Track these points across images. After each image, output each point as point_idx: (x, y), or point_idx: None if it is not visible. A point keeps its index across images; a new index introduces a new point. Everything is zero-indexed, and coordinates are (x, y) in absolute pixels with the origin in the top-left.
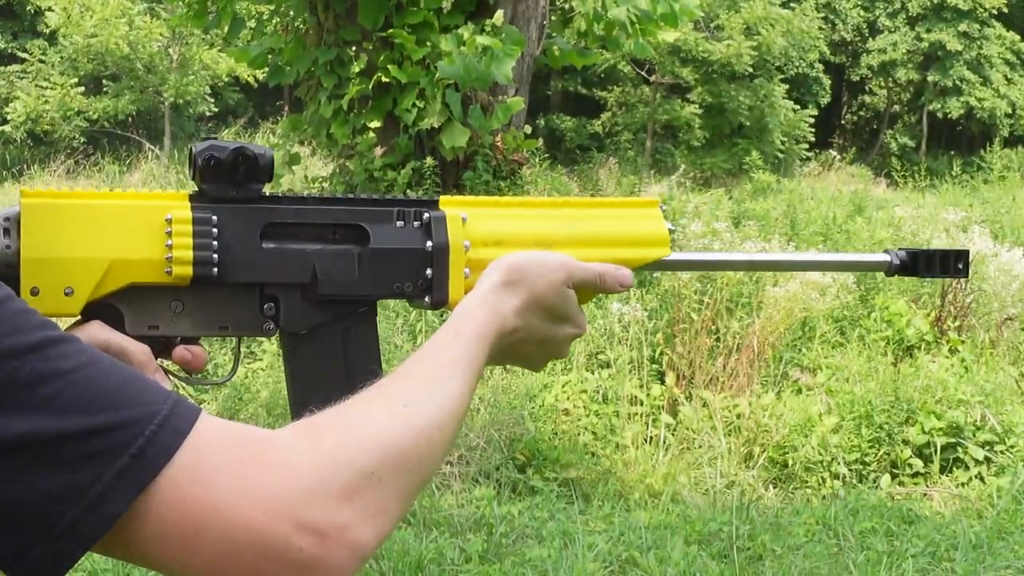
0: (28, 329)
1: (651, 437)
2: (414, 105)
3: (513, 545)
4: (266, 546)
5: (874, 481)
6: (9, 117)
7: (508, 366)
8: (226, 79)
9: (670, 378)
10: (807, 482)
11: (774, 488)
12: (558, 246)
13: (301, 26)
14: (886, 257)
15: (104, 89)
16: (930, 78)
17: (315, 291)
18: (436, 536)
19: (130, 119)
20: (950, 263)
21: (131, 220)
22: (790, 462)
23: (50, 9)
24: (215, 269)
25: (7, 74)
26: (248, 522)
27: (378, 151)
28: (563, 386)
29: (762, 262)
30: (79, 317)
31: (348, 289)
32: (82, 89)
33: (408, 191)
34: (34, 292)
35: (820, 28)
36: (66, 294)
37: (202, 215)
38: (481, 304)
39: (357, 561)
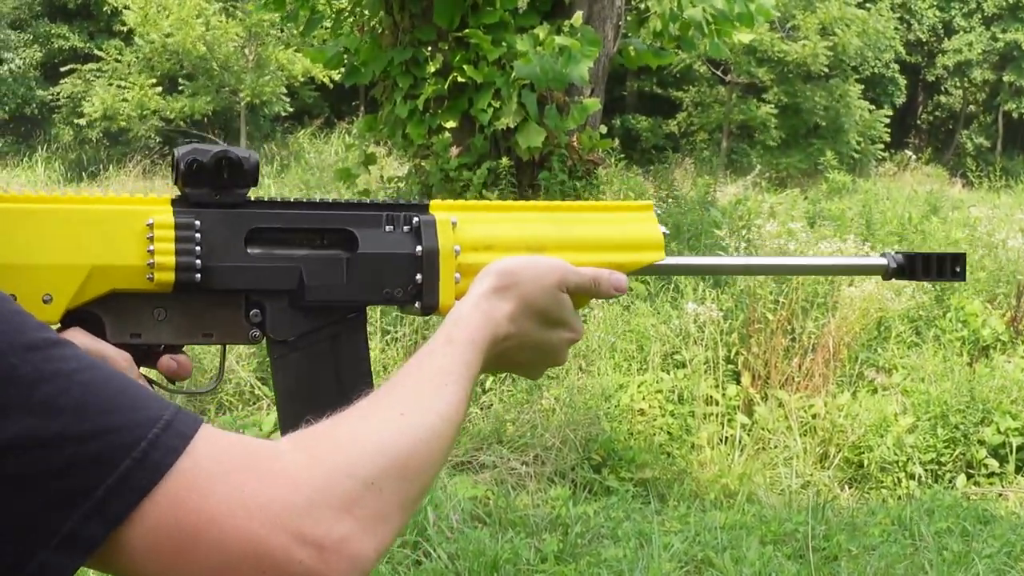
0: (28, 329)
1: (727, 437)
2: (490, 105)
3: (589, 545)
4: (263, 558)
5: (950, 481)
6: (85, 111)
7: (504, 373)
8: (302, 79)
9: (745, 378)
10: (883, 482)
11: (849, 488)
12: (550, 250)
13: (377, 26)
14: (883, 261)
15: (180, 88)
16: (1005, 78)
17: (302, 297)
18: (512, 536)
19: (206, 119)
20: (947, 267)
21: (111, 225)
22: (865, 462)
23: (127, 7)
24: (198, 275)
25: (83, 73)
26: (245, 534)
27: (454, 151)
28: (639, 386)
29: (757, 266)
30: (59, 325)
31: (337, 295)
32: (159, 89)
33: (484, 191)
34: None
35: (896, 28)
36: (44, 301)
37: (184, 220)
38: (474, 309)
39: (357, 574)
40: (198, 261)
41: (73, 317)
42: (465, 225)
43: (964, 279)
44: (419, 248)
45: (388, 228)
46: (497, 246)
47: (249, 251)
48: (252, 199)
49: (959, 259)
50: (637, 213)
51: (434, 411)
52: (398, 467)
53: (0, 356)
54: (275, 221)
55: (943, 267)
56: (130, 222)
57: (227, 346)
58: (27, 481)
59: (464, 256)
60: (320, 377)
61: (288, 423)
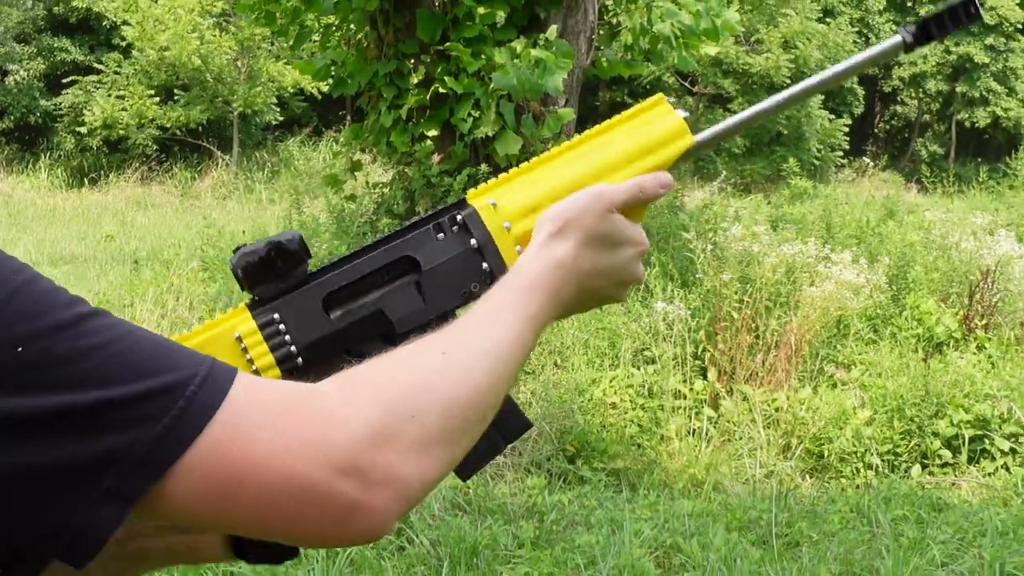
0: (58, 307)
1: (694, 429)
2: (469, 115)
3: (563, 532)
4: (308, 492)
5: (905, 471)
6: (86, 120)
7: (595, 307)
8: (291, 90)
9: (712, 373)
10: (842, 472)
11: (810, 478)
12: (590, 183)
13: (363, 40)
14: (898, 38)
15: (176, 99)
16: (958, 89)
17: (393, 333)
18: (491, 523)
19: (201, 128)
20: (960, 14)
21: (210, 353)
22: (826, 453)
23: (126, 23)
24: (299, 359)
25: (84, 84)
26: (288, 472)
27: (435, 158)
28: (610, 381)
29: (786, 98)
30: None
31: (422, 317)
32: (156, 99)
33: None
34: None
35: (854, 42)
36: None
37: (264, 319)
38: (533, 258)
39: (402, 503)
40: (293, 348)
41: None
42: (504, 200)
43: (981, 19)
44: (473, 241)
45: (440, 236)
46: (541, 204)
47: (331, 316)
48: (312, 271)
49: (969, 2)
50: (652, 111)
51: (479, 348)
52: (440, 402)
53: (33, 340)
54: (340, 280)
55: (956, 16)
56: (222, 343)
57: None
58: (71, 444)
59: (516, 227)
60: None
61: None
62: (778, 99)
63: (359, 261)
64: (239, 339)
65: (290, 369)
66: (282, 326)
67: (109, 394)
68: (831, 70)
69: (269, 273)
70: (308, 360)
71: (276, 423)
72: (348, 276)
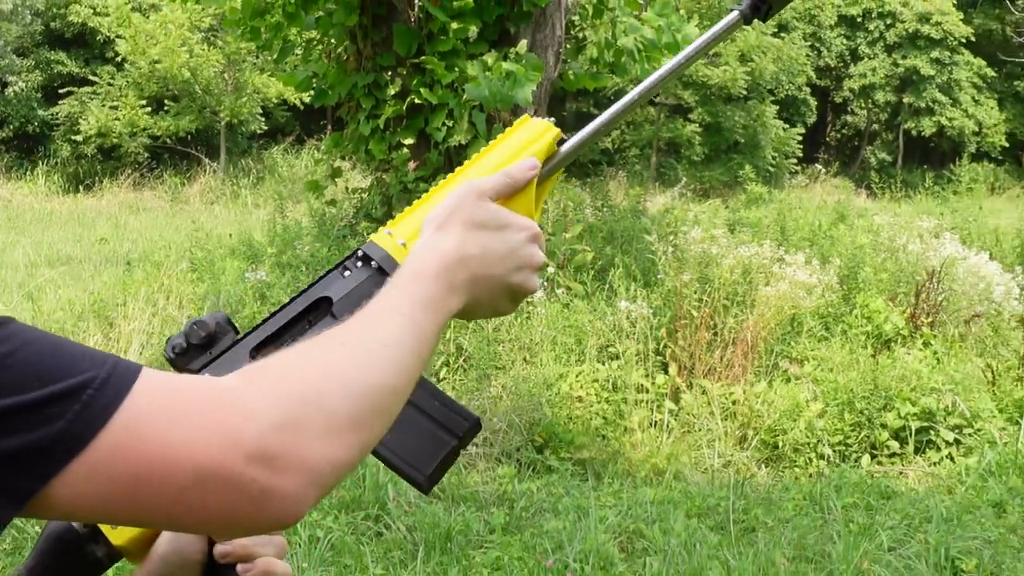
0: None
1: (656, 421)
2: (443, 124)
3: (532, 518)
4: (216, 483)
5: (855, 461)
6: (81, 129)
7: (494, 297)
8: (275, 101)
9: (672, 369)
10: (795, 462)
11: (766, 467)
12: None
13: (343, 53)
14: (736, 14)
15: (166, 109)
16: (905, 100)
17: None
18: (463, 510)
19: (189, 136)
20: None
21: None
22: (780, 444)
23: (119, 37)
24: None
25: (80, 95)
26: (192, 464)
27: (411, 165)
28: (577, 376)
29: (647, 86)
30: None
31: None
32: (148, 109)
33: None
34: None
35: (807, 55)
36: None
37: None
38: (419, 252)
39: (315, 487)
40: None
41: None
42: (398, 227)
43: None
44: (373, 262)
45: (346, 273)
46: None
47: None
48: (239, 336)
49: None
50: (523, 126)
51: (374, 336)
52: (342, 388)
53: None
54: (264, 333)
55: None
56: None
57: None
58: None
59: (410, 242)
60: None
61: (400, 464)
62: (641, 89)
63: (279, 313)
64: None
65: None
66: None
67: (11, 401)
68: (683, 53)
69: (199, 348)
70: None
71: (180, 418)
72: (270, 328)
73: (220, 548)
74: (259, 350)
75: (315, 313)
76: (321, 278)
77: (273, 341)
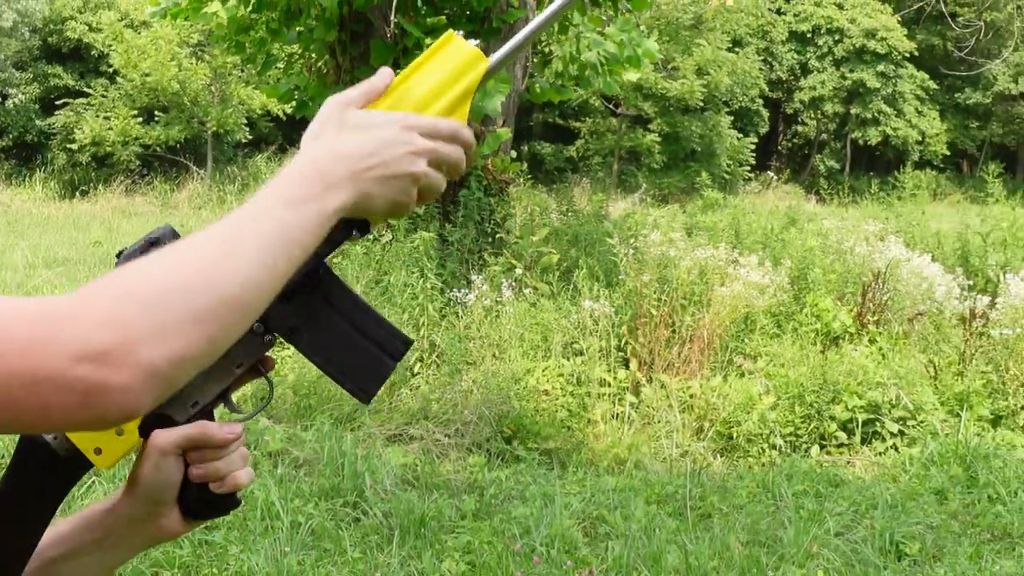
0: None
1: (617, 414)
2: None
3: (501, 505)
4: (49, 384)
5: (805, 451)
6: (77, 139)
7: (395, 196)
8: (259, 112)
9: (633, 364)
10: (749, 452)
11: (721, 457)
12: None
13: (323, 67)
14: None
15: (156, 119)
16: (853, 111)
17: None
18: (436, 497)
19: (178, 145)
20: None
21: None
22: (734, 435)
23: (113, 51)
24: None
25: (75, 106)
26: (28, 371)
27: None
28: (543, 371)
29: (540, 21)
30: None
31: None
32: (139, 120)
33: None
34: (97, 452)
35: (760, 69)
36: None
37: None
38: (292, 161)
39: (151, 380)
40: None
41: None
42: None
43: None
44: None
45: None
46: None
47: None
48: None
49: None
50: (445, 47)
51: (230, 238)
52: (181, 284)
53: None
54: None
55: None
56: None
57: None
58: None
59: None
60: (336, 333)
61: (339, 379)
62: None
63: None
64: None
65: None
66: None
67: None
68: (548, 10)
69: None
70: None
71: (14, 334)
72: None
73: (194, 471)
74: None
75: None
76: None
77: None
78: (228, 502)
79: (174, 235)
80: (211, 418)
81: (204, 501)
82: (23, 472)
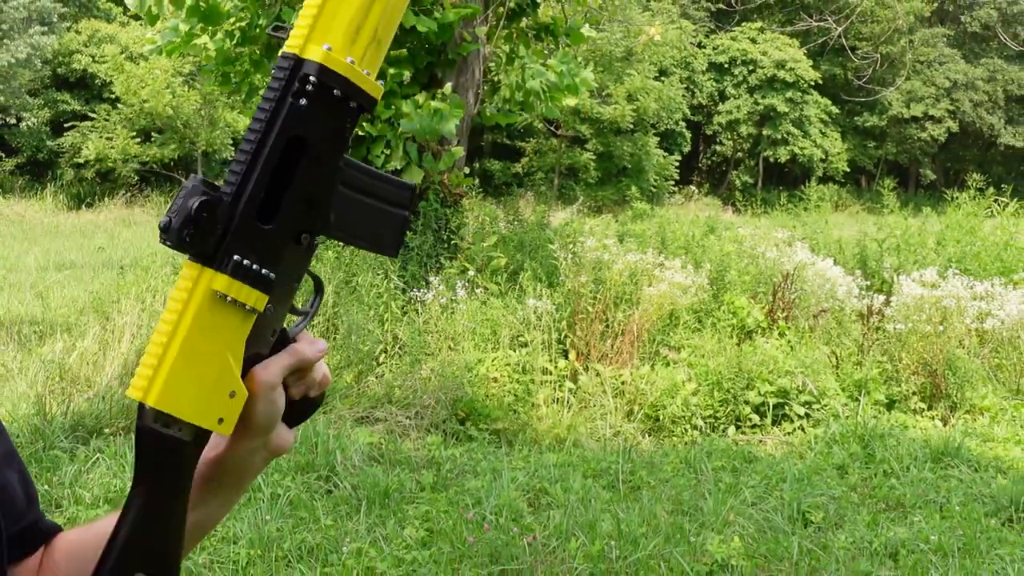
0: None
1: (558, 398)
2: (382, 152)
3: (456, 478)
4: None
5: (723, 431)
6: (83, 156)
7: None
8: (243, 133)
9: (572, 355)
10: (673, 432)
11: (649, 436)
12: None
13: None
14: None
15: (153, 140)
16: (764, 132)
17: (316, 194)
18: (399, 472)
19: (172, 163)
20: None
21: (207, 322)
22: (661, 417)
23: (114, 78)
24: (271, 274)
25: (81, 128)
26: None
27: None
28: (492, 360)
29: None
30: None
31: (331, 176)
32: (138, 140)
33: None
34: (220, 422)
35: (683, 95)
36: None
37: (232, 265)
38: None
39: None
40: (263, 270)
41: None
42: (331, 38)
43: None
44: (336, 91)
45: (302, 102)
46: (358, 22)
47: (268, 226)
48: (229, 203)
49: None
50: None
51: None
52: None
53: None
54: (259, 193)
55: None
56: (209, 308)
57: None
58: None
59: (357, 57)
60: (354, 208)
61: (374, 247)
62: None
63: (260, 171)
64: (223, 296)
65: (267, 284)
66: (246, 260)
67: None
68: None
69: (206, 230)
70: (275, 269)
71: None
72: (259, 188)
73: (293, 390)
74: (263, 209)
75: (292, 150)
76: (272, 112)
77: (267, 193)
78: (321, 398)
79: (205, 184)
80: (285, 336)
81: (305, 409)
82: (162, 472)
